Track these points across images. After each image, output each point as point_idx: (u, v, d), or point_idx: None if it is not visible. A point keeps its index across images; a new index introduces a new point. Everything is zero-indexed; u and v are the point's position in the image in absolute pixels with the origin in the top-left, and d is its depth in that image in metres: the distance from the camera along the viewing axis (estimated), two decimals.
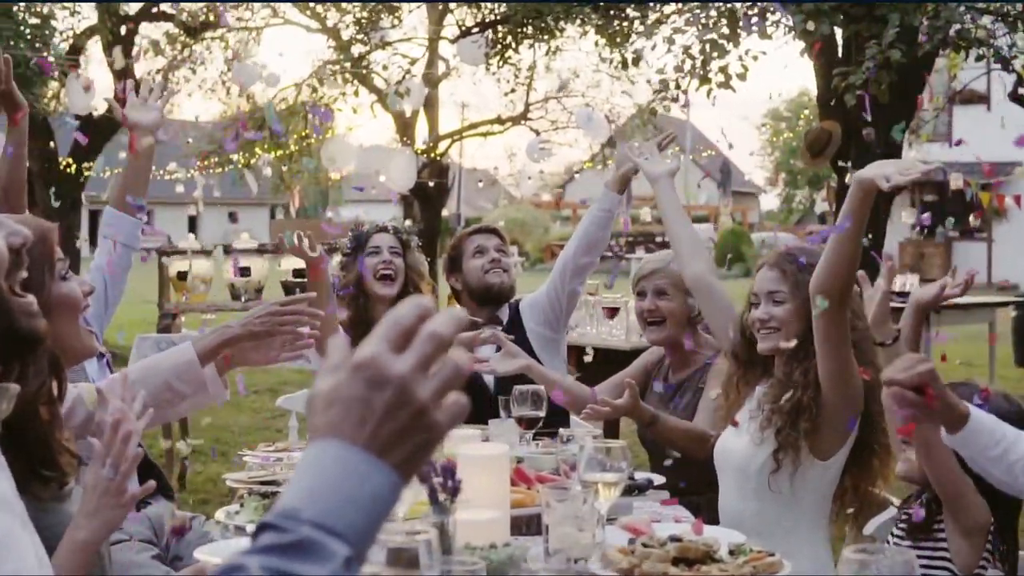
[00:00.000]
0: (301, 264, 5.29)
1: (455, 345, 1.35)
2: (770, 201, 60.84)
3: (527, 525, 3.15)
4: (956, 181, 10.02)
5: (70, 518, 2.56)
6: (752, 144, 57.58)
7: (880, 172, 3.48)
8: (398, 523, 2.85)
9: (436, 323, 1.31)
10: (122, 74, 14.20)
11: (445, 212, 20.70)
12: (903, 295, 12.40)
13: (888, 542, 3.43)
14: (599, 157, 20.42)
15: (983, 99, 31.00)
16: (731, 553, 2.83)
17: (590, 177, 31.77)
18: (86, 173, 14.44)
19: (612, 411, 4.19)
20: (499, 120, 20.79)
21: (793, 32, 8.09)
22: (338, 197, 46.95)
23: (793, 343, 3.75)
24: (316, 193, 42.27)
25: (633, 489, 3.67)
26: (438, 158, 19.31)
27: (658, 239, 31.12)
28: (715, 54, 8.31)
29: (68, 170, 14.04)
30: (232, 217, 44.72)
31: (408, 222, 18.93)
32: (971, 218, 12.73)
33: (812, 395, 3.70)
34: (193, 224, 45.49)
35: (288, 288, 8.98)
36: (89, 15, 13.90)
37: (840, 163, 9.16)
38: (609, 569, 2.74)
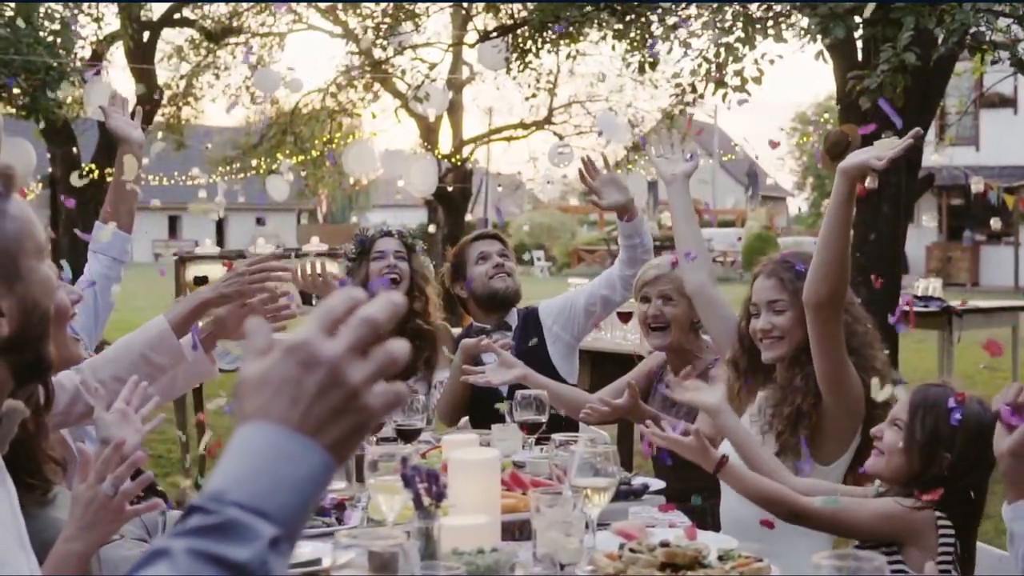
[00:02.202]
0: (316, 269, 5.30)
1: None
2: (799, 205, 60.68)
3: (520, 530, 3.14)
4: (977, 185, 9.95)
5: (55, 522, 2.57)
6: (780, 148, 57.39)
7: (867, 156, 3.46)
8: (384, 527, 2.86)
9: (370, 308, 1.30)
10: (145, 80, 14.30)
11: (469, 216, 20.68)
12: (926, 299, 12.38)
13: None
14: (623, 162, 20.38)
15: (1010, 102, 30.83)
16: (720, 558, 2.82)
17: None
18: (109, 179, 14.48)
19: (611, 411, 4.18)
20: (523, 125, 20.80)
21: (809, 36, 8.04)
22: (365, 202, 47.06)
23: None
24: (343, 198, 42.38)
25: (629, 494, 3.66)
26: (460, 163, 19.30)
27: None
28: (730, 58, 8.28)
29: (91, 175, 14.08)
30: (259, 222, 44.92)
31: (432, 227, 18.97)
32: (992, 222, 12.67)
33: (812, 402, 3.69)
34: (220, 229, 45.74)
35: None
36: (111, 21, 13.97)
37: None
38: (596, 574, 2.73)
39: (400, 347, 1.32)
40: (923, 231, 31.54)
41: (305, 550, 2.84)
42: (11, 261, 2.09)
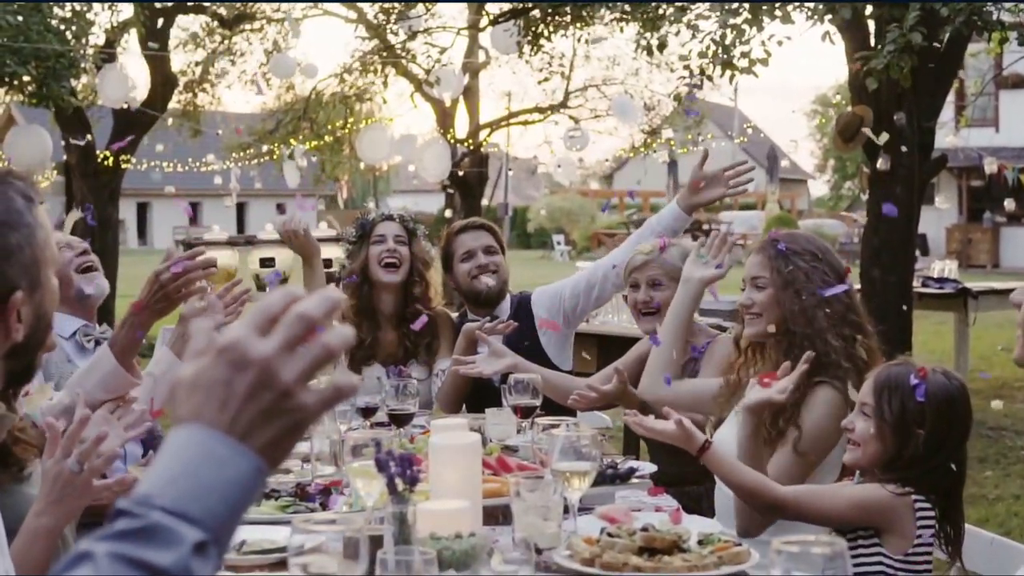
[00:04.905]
0: (323, 255, 5.31)
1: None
2: (819, 188, 60.44)
3: (503, 515, 3.13)
4: (991, 166, 9.87)
5: (29, 498, 2.60)
6: (801, 131, 57.20)
7: (768, 392, 3.40)
8: (364, 513, 2.87)
9: (305, 305, 1.29)
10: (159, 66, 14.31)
11: (485, 201, 20.64)
12: (942, 280, 12.32)
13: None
14: (640, 145, 20.35)
15: None
16: (700, 543, 2.80)
17: (634, 165, 31.69)
18: (123, 165, 14.54)
19: (600, 397, 4.16)
20: (538, 109, 20.75)
21: (816, 17, 8.00)
22: (384, 187, 47.13)
23: (772, 328, 3.72)
24: (362, 183, 42.40)
25: (615, 478, 3.65)
26: (472, 148, 19.26)
27: (705, 227, 30.91)
28: (738, 39, 8.24)
29: (106, 163, 14.13)
30: (280, 208, 44.95)
31: (449, 212, 18.98)
32: (1006, 203, 12.59)
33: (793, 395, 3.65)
34: (241, 215, 45.83)
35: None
36: (124, 8, 13.99)
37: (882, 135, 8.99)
38: (573, 559, 2.72)
39: (339, 335, 1.29)
40: (943, 213, 31.35)
41: (280, 535, 2.84)
42: (37, 269, 2.13)
